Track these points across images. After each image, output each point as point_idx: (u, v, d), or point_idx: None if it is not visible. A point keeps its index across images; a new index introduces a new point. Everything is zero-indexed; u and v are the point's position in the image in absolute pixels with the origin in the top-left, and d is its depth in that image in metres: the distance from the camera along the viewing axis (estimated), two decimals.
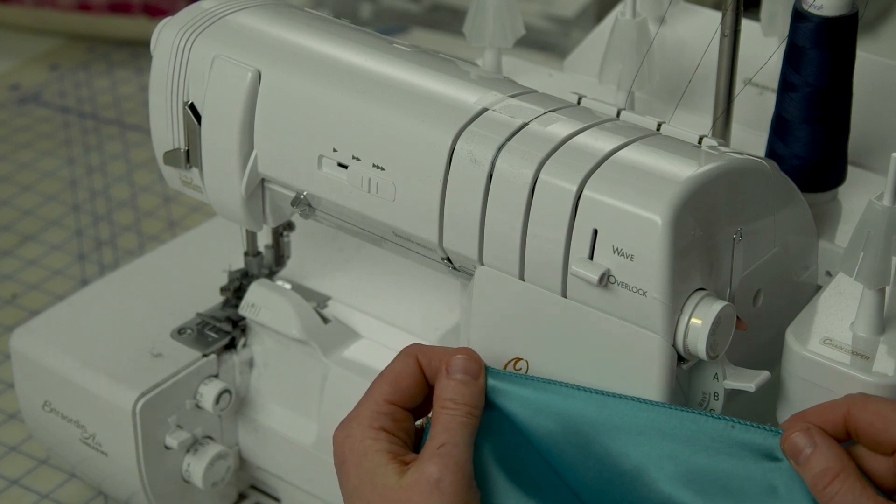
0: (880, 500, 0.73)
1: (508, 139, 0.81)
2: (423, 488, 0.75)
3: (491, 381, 0.80)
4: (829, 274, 0.90)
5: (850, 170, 0.95)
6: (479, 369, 0.80)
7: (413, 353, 0.81)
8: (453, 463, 0.76)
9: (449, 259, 0.86)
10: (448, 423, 0.78)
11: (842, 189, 0.95)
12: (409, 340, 0.97)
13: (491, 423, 0.79)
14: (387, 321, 0.99)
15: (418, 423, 0.82)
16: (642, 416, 0.77)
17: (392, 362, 0.81)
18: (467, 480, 0.76)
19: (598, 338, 0.80)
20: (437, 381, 0.80)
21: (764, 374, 0.81)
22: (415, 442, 0.81)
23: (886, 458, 0.75)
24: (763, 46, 1.00)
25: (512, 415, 0.79)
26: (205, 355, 0.99)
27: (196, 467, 0.99)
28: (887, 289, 0.82)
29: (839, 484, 0.73)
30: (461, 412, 0.78)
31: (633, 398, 0.78)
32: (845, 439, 0.76)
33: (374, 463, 0.77)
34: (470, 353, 0.80)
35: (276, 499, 1.05)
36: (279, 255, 1.03)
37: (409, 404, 0.80)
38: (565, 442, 0.78)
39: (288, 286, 1.02)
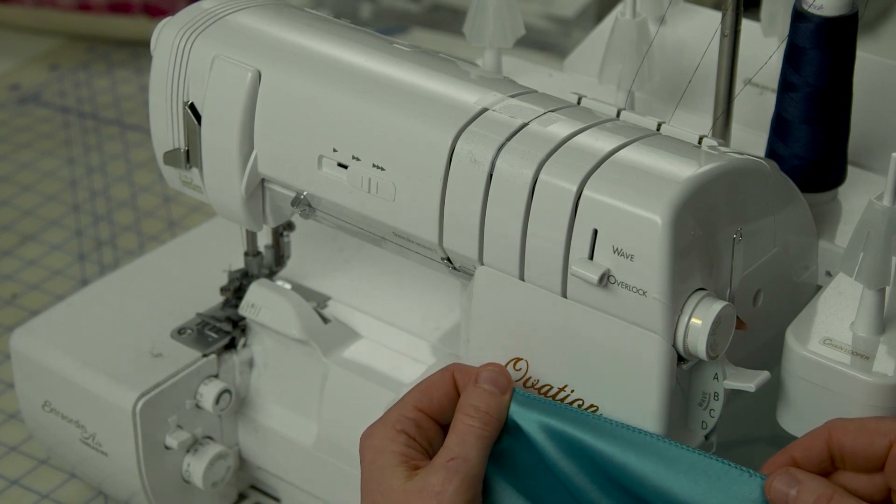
0: None
1: (508, 139, 0.81)
2: (423, 497, 0.75)
3: (514, 402, 0.80)
4: (829, 274, 0.90)
5: (850, 170, 0.95)
6: (508, 385, 0.80)
7: (451, 369, 0.82)
8: (459, 479, 0.76)
9: (449, 259, 0.86)
10: (465, 434, 0.78)
11: (842, 189, 0.95)
12: (409, 340, 0.98)
13: (508, 442, 0.79)
14: (387, 321, 0.99)
15: None
16: (653, 448, 0.77)
17: (430, 375, 0.82)
18: (471, 496, 0.76)
19: (598, 338, 0.80)
20: (465, 390, 0.80)
21: (764, 374, 0.80)
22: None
23: (871, 476, 0.74)
24: (763, 46, 1.00)
25: (530, 436, 0.79)
26: (205, 355, 0.99)
27: (196, 467, 0.99)
28: (887, 289, 0.82)
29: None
30: (480, 422, 0.78)
31: (647, 434, 0.78)
32: (831, 470, 0.75)
33: (386, 462, 0.78)
34: (501, 369, 0.81)
35: (276, 499, 1.05)
36: (279, 255, 1.03)
37: (438, 416, 0.80)
38: (580, 467, 0.78)
39: (288, 286, 1.02)
